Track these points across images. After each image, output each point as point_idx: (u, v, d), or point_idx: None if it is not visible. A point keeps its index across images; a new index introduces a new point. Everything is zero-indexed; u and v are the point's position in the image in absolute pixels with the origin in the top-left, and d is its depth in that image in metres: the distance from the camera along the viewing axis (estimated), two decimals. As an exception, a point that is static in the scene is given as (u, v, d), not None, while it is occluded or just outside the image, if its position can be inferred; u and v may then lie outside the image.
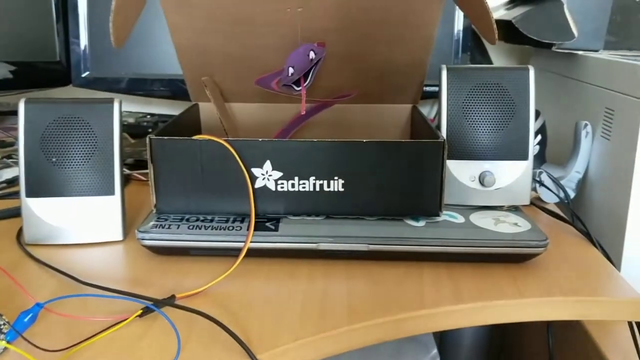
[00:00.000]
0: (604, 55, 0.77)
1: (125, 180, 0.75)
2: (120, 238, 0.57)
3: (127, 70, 0.93)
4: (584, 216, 0.74)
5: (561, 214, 0.64)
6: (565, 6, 0.79)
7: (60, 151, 0.55)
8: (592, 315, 0.49)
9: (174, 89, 0.94)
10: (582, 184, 0.74)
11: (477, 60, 1.00)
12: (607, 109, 0.69)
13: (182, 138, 0.53)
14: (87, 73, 0.92)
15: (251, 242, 0.51)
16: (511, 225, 0.54)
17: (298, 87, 0.58)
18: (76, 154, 0.55)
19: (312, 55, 0.57)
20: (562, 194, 0.72)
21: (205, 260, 0.53)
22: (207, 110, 0.71)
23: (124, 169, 0.71)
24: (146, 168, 0.76)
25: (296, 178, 0.53)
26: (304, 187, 0.53)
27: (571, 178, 0.73)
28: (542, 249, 0.52)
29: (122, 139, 0.56)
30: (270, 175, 0.53)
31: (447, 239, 0.52)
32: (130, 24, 0.56)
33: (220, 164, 0.53)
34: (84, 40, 0.91)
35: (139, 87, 0.94)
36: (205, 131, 0.71)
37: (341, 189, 0.53)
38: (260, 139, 0.52)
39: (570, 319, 0.49)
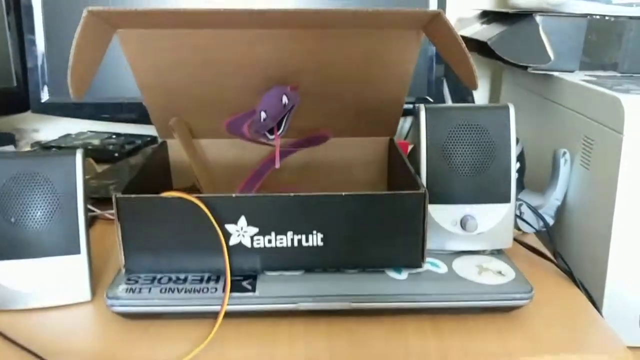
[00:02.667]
0: (580, 75, 0.77)
1: (91, 220, 0.71)
2: (88, 299, 0.54)
3: (89, 95, 0.88)
4: (563, 243, 0.73)
5: (544, 251, 0.63)
6: (540, 27, 0.78)
7: (20, 210, 0.51)
8: (580, 371, 0.48)
9: (140, 113, 0.90)
10: (560, 210, 0.74)
11: (452, 76, 0.98)
12: (586, 137, 0.68)
13: (151, 196, 0.50)
14: (46, 99, 0.88)
15: (228, 304, 0.49)
16: (495, 275, 0.53)
17: (271, 134, 0.56)
18: (37, 212, 0.51)
19: (285, 100, 0.54)
20: (541, 223, 0.71)
21: (180, 322, 0.51)
22: (177, 146, 0.67)
23: (89, 206, 0.68)
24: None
25: (273, 233, 0.51)
26: (281, 243, 0.51)
27: (550, 206, 0.72)
28: (527, 300, 0.51)
29: (86, 193, 0.53)
30: (245, 232, 0.51)
31: (430, 294, 0.50)
32: (91, 74, 0.52)
33: (192, 220, 0.50)
34: (42, 65, 0.86)
35: (102, 111, 0.90)
36: (175, 170, 0.68)
37: (320, 243, 0.51)
38: (234, 195, 0.50)
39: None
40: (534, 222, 0.71)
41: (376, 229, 0.51)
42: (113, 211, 0.70)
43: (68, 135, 1.04)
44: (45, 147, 0.96)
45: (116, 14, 0.47)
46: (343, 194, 0.50)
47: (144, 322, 0.51)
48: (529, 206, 0.70)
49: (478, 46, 0.90)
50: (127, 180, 0.53)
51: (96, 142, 1.01)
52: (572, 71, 0.79)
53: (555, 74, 0.79)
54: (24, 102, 0.89)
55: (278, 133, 0.54)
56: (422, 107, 0.56)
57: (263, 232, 0.51)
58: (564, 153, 0.71)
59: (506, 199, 0.56)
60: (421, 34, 0.54)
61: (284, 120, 0.55)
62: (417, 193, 0.50)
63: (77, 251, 0.52)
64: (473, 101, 1.02)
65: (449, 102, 1.01)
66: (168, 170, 0.68)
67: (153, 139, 1.04)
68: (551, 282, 0.58)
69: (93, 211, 0.71)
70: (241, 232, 0.51)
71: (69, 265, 0.52)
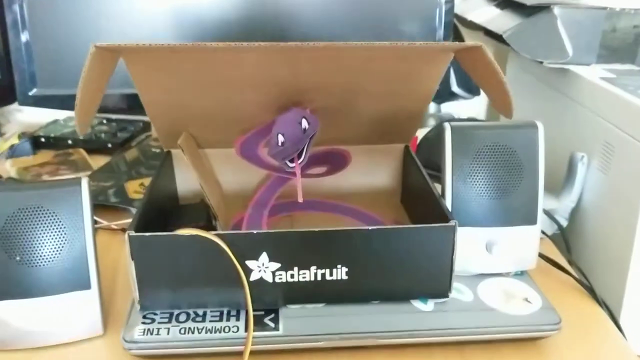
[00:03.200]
0: (596, 70, 0.74)
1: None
2: (101, 333, 0.51)
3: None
4: (575, 244, 0.72)
5: (561, 262, 0.62)
6: (558, 20, 0.74)
7: (24, 247, 0.48)
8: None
9: (130, 103, 0.86)
10: (574, 211, 0.72)
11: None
12: (607, 142, 0.66)
13: (165, 234, 0.47)
14: (34, 90, 0.83)
15: (251, 345, 0.47)
16: (521, 302, 0.52)
17: (291, 162, 0.52)
18: (43, 248, 0.48)
19: (304, 124, 0.51)
20: (555, 227, 0.70)
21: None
22: (182, 156, 0.64)
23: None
24: (116, 214, 0.70)
25: (295, 268, 0.49)
26: (304, 277, 0.49)
27: (565, 208, 0.71)
28: (555, 331, 0.50)
29: (94, 225, 0.50)
30: (267, 267, 0.48)
31: (458, 328, 0.49)
32: (96, 104, 0.48)
33: (210, 256, 0.47)
34: (28, 55, 0.81)
35: (94, 103, 0.85)
36: (180, 182, 0.65)
37: (345, 277, 0.49)
38: (255, 231, 0.47)
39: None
40: (547, 227, 0.69)
41: (403, 262, 0.49)
42: (120, 223, 0.68)
43: (56, 121, 0.99)
44: (34, 137, 0.92)
45: (124, 48, 0.43)
46: (370, 228, 0.48)
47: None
48: (545, 212, 0.68)
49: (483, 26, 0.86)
50: (137, 214, 0.50)
51: (86, 129, 0.96)
52: (588, 65, 0.76)
53: (571, 67, 0.76)
54: (10, 94, 0.84)
55: (299, 162, 0.51)
56: (447, 126, 0.53)
57: (285, 268, 0.48)
58: (582, 157, 0.69)
59: (532, 221, 0.55)
60: (451, 56, 0.51)
61: (305, 149, 0.51)
62: (447, 226, 0.48)
63: (87, 286, 0.50)
64: (478, 87, 0.98)
65: (454, 87, 0.98)
66: (174, 183, 0.65)
67: (146, 125, 1.00)
68: (571, 297, 0.57)
69: (97, 222, 0.68)
70: (262, 267, 0.48)
71: (80, 301, 0.50)
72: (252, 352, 0.48)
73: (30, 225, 0.48)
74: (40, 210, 0.48)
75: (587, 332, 0.53)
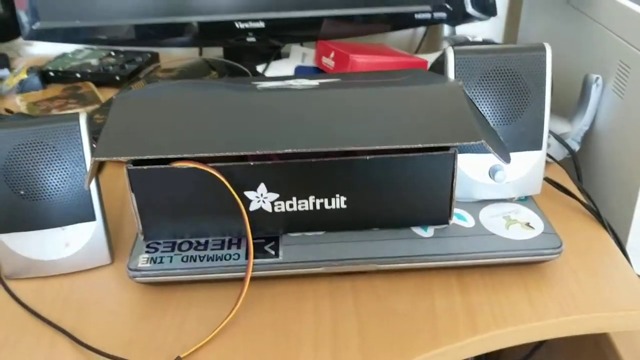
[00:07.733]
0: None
1: (99, 165, 0.69)
2: (109, 262, 0.53)
3: (84, 17, 0.82)
4: (587, 169, 0.71)
5: (570, 187, 0.61)
6: None
7: (28, 182, 0.49)
8: (611, 327, 0.48)
9: (140, 34, 0.84)
10: (586, 135, 0.70)
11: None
12: (622, 63, 0.63)
13: (163, 167, 0.47)
14: (38, 24, 0.82)
15: (252, 271, 0.48)
16: (523, 228, 0.51)
17: None
18: (46, 182, 0.49)
19: None
20: (566, 151, 0.68)
21: (204, 287, 0.50)
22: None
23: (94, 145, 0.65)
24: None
25: (294, 198, 0.49)
26: (303, 207, 0.49)
27: (578, 132, 0.69)
28: (556, 255, 0.50)
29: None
30: (265, 198, 0.49)
31: (458, 254, 0.49)
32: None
33: (209, 187, 0.48)
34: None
35: (100, 35, 0.84)
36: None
37: (343, 206, 0.49)
38: (252, 163, 0.47)
39: (589, 333, 0.48)
40: (558, 152, 0.68)
41: (402, 190, 0.49)
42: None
43: (64, 55, 0.99)
44: (42, 72, 0.91)
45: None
46: (367, 157, 0.47)
47: (169, 287, 0.50)
48: (556, 136, 0.67)
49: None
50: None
51: (94, 61, 0.96)
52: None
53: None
54: (12, 30, 0.83)
55: None
56: (450, 51, 0.51)
57: (284, 198, 0.49)
58: (597, 79, 0.66)
59: (538, 147, 0.53)
60: None
61: None
62: (446, 154, 0.47)
63: (92, 218, 0.51)
64: (494, 7, 0.94)
65: (469, 8, 0.94)
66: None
67: (154, 56, 0.99)
68: (577, 221, 0.57)
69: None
70: (261, 198, 0.48)
71: (86, 232, 0.51)
72: (253, 279, 0.49)
73: (32, 160, 0.48)
74: (41, 146, 0.48)
75: (590, 256, 0.53)
